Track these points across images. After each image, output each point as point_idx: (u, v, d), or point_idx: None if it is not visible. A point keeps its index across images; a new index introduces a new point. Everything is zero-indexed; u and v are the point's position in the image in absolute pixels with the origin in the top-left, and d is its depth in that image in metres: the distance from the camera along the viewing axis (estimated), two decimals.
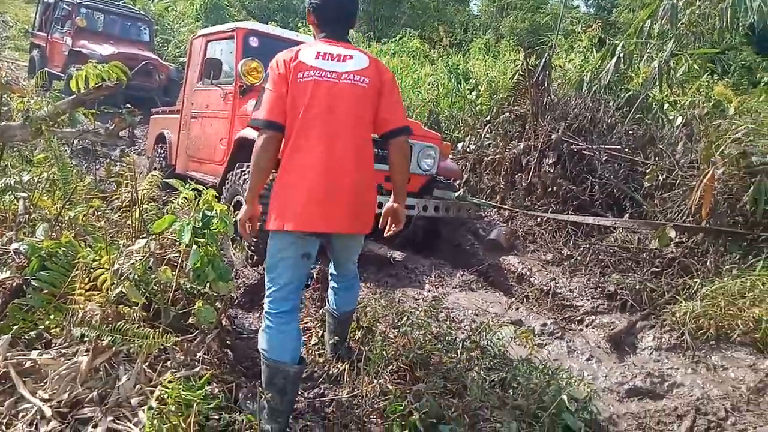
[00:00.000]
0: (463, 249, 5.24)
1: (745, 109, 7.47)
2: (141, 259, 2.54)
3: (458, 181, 6.45)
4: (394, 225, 2.49)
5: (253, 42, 5.27)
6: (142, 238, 2.71)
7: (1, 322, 2.28)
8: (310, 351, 3.06)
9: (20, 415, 1.90)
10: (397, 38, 14.14)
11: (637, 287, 4.02)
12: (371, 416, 2.48)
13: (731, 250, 4.08)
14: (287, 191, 2.27)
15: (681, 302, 3.68)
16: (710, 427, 2.59)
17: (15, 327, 2.25)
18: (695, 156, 4.92)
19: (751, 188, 4.00)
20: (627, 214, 5.18)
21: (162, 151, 6.70)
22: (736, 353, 3.32)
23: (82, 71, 3.93)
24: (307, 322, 3.37)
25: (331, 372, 2.82)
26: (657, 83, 6.51)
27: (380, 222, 2.51)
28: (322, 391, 2.72)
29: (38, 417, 1.90)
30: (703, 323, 3.48)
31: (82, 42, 10.64)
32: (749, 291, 3.50)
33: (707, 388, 2.99)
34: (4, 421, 1.88)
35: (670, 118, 6.74)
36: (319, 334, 3.10)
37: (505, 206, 5.77)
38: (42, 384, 2.04)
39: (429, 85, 10.17)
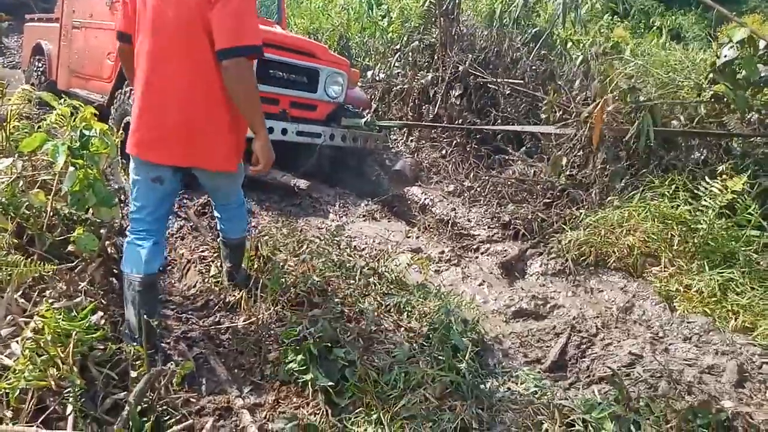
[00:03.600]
0: (368, 179, 5.25)
1: (640, 51, 7.88)
2: (9, 181, 2.30)
3: (367, 111, 6.38)
4: (259, 164, 2.19)
5: None
6: (9, 158, 2.44)
7: None
8: (206, 280, 2.98)
9: None
10: None
11: (530, 217, 4.25)
12: (267, 342, 2.48)
13: (613, 183, 4.38)
14: (132, 112, 2.16)
15: (567, 231, 3.94)
16: (582, 342, 2.85)
17: None
18: (590, 93, 5.15)
19: (636, 123, 4.26)
20: (524, 148, 5.39)
21: (40, 64, 6.01)
22: (611, 277, 3.64)
23: None
24: (204, 251, 3.27)
25: (227, 300, 2.78)
26: (561, 20, 6.64)
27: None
28: (218, 319, 2.68)
29: None
30: (585, 250, 3.76)
31: None
32: (626, 221, 3.80)
33: (583, 309, 3.27)
34: None
35: (573, 56, 6.96)
36: (218, 264, 3.02)
37: (411, 123, 5.80)
38: None
39: (339, 8, 9.76)
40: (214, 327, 2.59)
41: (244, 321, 2.62)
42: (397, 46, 7.32)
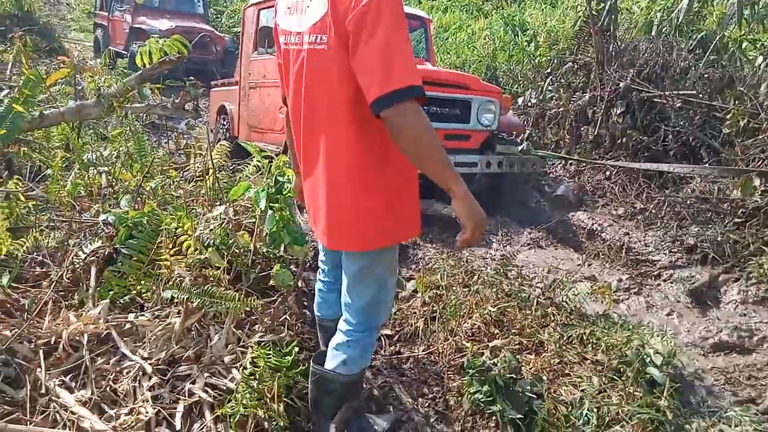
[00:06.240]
0: (528, 206, 5.14)
1: None
2: (220, 225, 2.64)
3: (520, 136, 6.29)
4: (463, 232, 1.54)
5: None
6: (219, 205, 2.80)
7: (98, 288, 2.43)
8: None
9: (125, 371, 2.04)
10: None
11: (719, 239, 3.83)
12: (449, 372, 2.51)
13: None
14: None
15: None
16: None
17: (111, 292, 2.40)
18: None
19: None
20: (705, 164, 4.91)
21: (224, 123, 6.86)
22: None
23: (145, 47, 4.05)
24: None
25: (405, 330, 2.87)
26: (736, 20, 6.01)
27: None
28: (398, 348, 2.78)
29: (140, 373, 2.03)
30: None
31: (141, 18, 10.92)
32: None
33: None
34: (111, 377, 2.03)
35: (750, 58, 6.25)
36: None
37: (573, 157, 5.58)
38: (141, 344, 2.18)
39: (485, 39, 9.85)
40: (396, 357, 2.69)
41: (423, 351, 2.69)
42: (548, 70, 7.17)
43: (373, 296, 1.76)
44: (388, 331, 2.88)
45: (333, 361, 1.83)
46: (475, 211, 1.51)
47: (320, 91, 1.60)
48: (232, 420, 1.90)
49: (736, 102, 4.94)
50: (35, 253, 2.67)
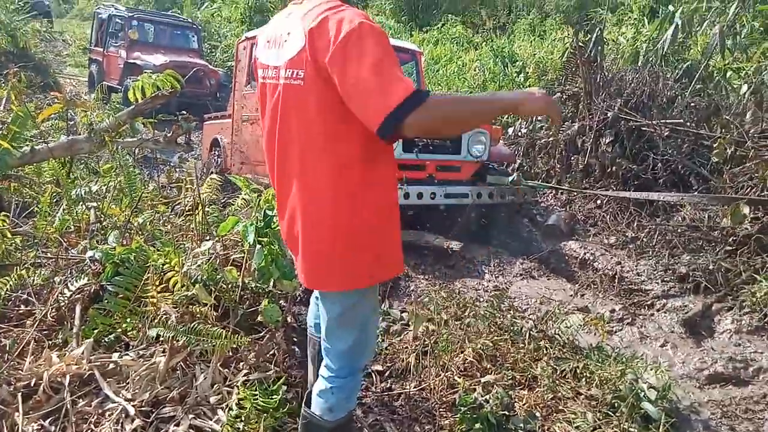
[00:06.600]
0: (520, 236, 5.13)
1: None
2: (208, 261, 2.61)
3: (511, 166, 6.32)
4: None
5: None
6: (207, 240, 2.78)
7: (83, 327, 2.39)
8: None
9: (107, 414, 1.99)
10: (440, 26, 13.97)
11: (711, 268, 3.82)
12: (440, 409, 2.46)
13: None
14: None
15: (761, 282, 3.47)
16: None
17: (96, 331, 2.35)
18: (767, 125, 4.63)
19: None
20: (694, 191, 4.94)
21: (217, 156, 6.87)
22: None
23: (138, 82, 4.07)
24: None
25: (397, 366, 2.82)
26: (719, 50, 6.13)
27: None
28: (389, 385, 2.73)
29: (123, 416, 1.98)
30: None
31: (136, 53, 11.04)
32: None
33: None
34: (93, 420, 1.97)
35: (734, 86, 6.36)
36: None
37: (563, 187, 5.61)
38: (124, 384, 2.13)
39: (475, 70, 10.01)
40: (387, 393, 2.64)
41: (415, 387, 2.64)
42: None
43: (354, 340, 1.67)
44: (379, 367, 2.83)
45: (318, 408, 1.75)
46: (540, 102, 1.51)
47: (296, 125, 1.56)
48: None
49: (723, 130, 5.00)
50: (20, 291, 2.63)
